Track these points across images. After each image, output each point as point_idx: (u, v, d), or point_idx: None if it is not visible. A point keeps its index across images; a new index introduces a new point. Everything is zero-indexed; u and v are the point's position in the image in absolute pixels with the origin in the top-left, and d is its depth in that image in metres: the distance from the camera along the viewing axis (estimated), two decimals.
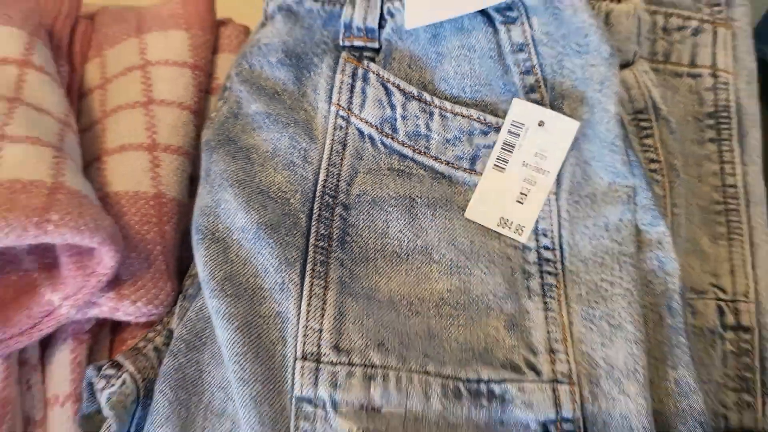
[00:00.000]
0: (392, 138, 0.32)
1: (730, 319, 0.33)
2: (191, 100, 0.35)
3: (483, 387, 0.27)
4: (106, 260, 0.28)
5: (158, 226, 0.32)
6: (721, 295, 0.33)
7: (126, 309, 0.30)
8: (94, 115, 0.35)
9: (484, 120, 0.32)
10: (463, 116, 0.31)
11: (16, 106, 0.30)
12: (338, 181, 0.32)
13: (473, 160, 0.32)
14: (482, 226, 0.31)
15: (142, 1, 0.40)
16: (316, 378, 0.27)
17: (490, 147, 0.32)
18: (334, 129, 0.32)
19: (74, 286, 0.28)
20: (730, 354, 0.32)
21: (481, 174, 0.32)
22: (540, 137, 0.31)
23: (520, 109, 0.31)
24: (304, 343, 0.28)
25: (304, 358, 0.27)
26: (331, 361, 0.27)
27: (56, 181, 0.28)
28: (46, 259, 0.30)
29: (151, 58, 0.36)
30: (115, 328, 0.33)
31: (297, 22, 0.34)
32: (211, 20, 0.39)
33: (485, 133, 0.32)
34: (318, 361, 0.27)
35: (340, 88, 0.33)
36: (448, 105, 0.32)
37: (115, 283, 0.30)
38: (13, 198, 0.27)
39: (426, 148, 0.32)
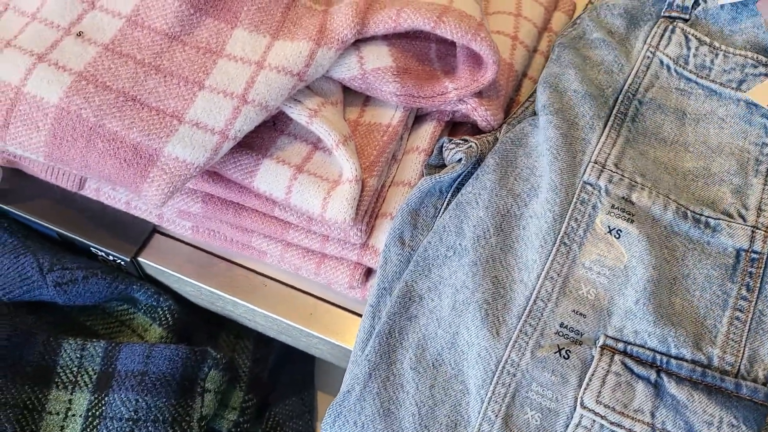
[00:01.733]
0: (683, 67, 0.49)
1: None
2: (541, 24, 0.55)
3: (703, 218, 0.43)
4: (489, 75, 0.47)
5: (506, 81, 0.51)
6: None
7: (480, 112, 0.48)
8: None
9: (757, 59, 0.48)
10: (741, 56, 0.48)
11: None
12: (638, 86, 0.49)
13: (740, 82, 0.48)
14: (729, 130, 0.47)
15: None
16: (600, 174, 0.44)
17: (757, 76, 0.48)
18: (644, 57, 0.50)
19: (464, 81, 0.47)
20: None
21: (745, 92, 0.48)
22: None
23: None
24: (598, 155, 0.45)
25: (595, 162, 0.44)
26: (611, 170, 0.44)
27: (481, 21, 0.47)
28: (446, 66, 0.49)
29: None
30: (453, 134, 0.52)
31: None
32: None
33: (755, 67, 0.48)
34: (603, 167, 0.44)
35: (654, 34, 0.51)
36: (731, 49, 0.49)
37: (480, 94, 0.48)
38: (462, 17, 0.45)
39: (707, 75, 0.49)
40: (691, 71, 0.49)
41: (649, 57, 0.50)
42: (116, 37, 0.42)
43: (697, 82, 0.49)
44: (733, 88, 0.48)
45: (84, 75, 0.40)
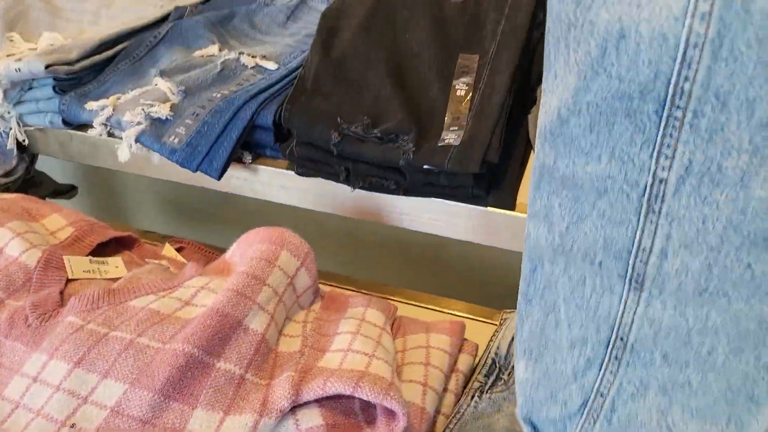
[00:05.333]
0: None
1: None
2: (447, 369, 0.69)
3: None
4: (401, 424, 0.58)
5: (419, 423, 0.62)
6: None
7: None
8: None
9: None
10: None
11: (379, 343, 0.65)
12: None
13: None
14: None
15: None
16: None
17: None
18: None
19: (381, 430, 0.58)
20: None
21: None
22: None
23: None
24: None
25: None
26: None
27: (391, 381, 0.60)
28: (368, 416, 0.61)
29: (431, 344, 0.71)
30: None
31: None
32: (460, 337, 0.74)
33: None
34: None
35: None
36: None
37: None
38: (375, 380, 0.59)
39: None
40: None
41: None
42: (101, 425, 0.53)
43: None
44: None
45: None
